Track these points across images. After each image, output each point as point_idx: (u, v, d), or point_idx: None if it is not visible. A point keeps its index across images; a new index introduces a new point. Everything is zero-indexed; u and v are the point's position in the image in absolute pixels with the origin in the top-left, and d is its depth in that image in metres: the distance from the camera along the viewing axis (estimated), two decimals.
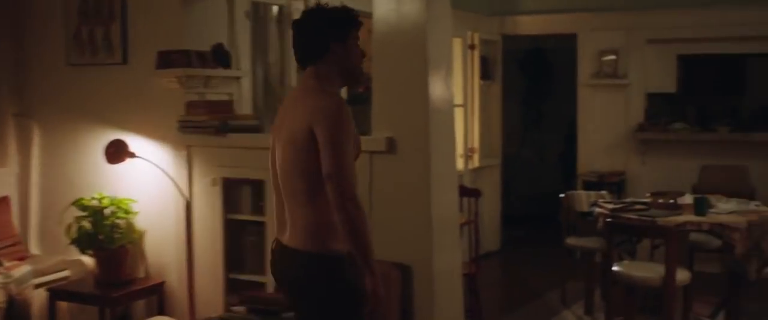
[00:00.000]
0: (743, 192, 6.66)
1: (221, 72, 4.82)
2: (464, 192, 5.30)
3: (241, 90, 5.06)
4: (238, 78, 5.02)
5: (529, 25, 8.17)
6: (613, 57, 7.61)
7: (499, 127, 8.35)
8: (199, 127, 4.52)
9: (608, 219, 4.96)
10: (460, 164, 7.49)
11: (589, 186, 7.42)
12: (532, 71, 10.33)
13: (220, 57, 4.84)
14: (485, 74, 8.18)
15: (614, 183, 7.41)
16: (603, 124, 7.65)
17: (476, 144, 7.89)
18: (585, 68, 7.76)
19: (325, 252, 2.69)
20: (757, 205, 5.27)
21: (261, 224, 4.49)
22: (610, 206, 5.31)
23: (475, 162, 7.89)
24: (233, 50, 5.02)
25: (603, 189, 7.29)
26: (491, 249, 8.21)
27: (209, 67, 4.73)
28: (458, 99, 7.38)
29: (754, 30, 7.09)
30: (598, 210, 5.37)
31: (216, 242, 4.62)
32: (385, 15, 4.03)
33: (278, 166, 2.81)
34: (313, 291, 2.71)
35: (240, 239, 4.66)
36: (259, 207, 4.52)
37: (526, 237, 8.99)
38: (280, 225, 2.86)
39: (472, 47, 7.79)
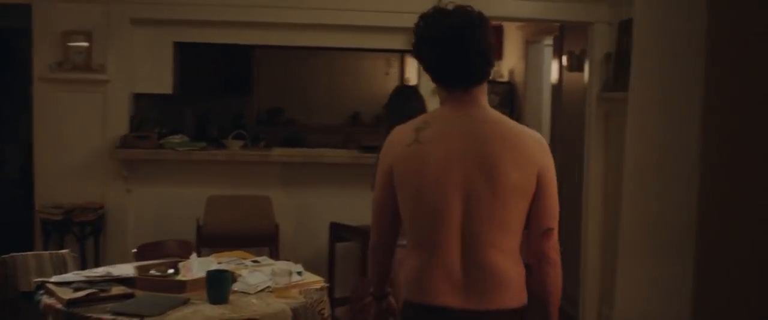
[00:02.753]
0: (265, 235, 4.98)
1: None
2: None
3: None
4: None
5: None
6: (85, 43, 5.33)
7: None
8: None
9: None
10: None
11: (49, 228, 5.06)
12: None
13: None
14: None
15: (89, 224, 5.14)
16: (71, 136, 5.30)
17: None
18: (44, 57, 5.32)
19: (523, 304, 2.33)
20: (299, 273, 3.49)
21: None
22: (69, 294, 3.07)
23: None
24: None
25: (69, 234, 5.05)
26: None
27: None
28: None
29: (262, 14, 5.41)
30: (45, 299, 3.11)
31: None
32: None
33: (468, 227, 2.24)
34: None
35: None
36: None
37: None
38: (459, 289, 2.26)
39: None
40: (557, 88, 6.56)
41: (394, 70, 8.96)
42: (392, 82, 8.87)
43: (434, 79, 2.34)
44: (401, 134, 2.34)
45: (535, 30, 7.27)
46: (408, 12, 5.25)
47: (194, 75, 6.55)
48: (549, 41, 7.49)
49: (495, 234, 2.26)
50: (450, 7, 2.31)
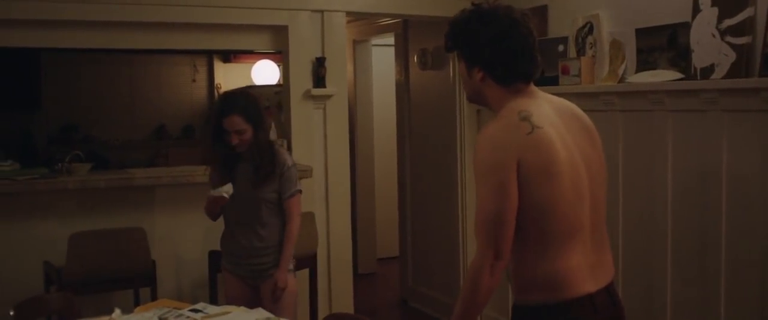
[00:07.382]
0: (141, 274, 4.18)
1: None
2: None
3: None
4: None
5: None
6: None
7: None
8: None
9: None
10: None
11: None
12: None
13: None
14: None
15: None
16: None
17: None
18: None
19: None
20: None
21: None
22: None
23: None
24: None
25: None
26: None
27: None
28: None
29: (49, 11, 4.24)
30: None
31: None
32: None
33: (593, 196, 2.24)
34: None
35: None
36: None
37: None
38: (591, 269, 2.21)
39: None
40: (404, 88, 6.32)
41: (202, 76, 8.21)
42: (200, 90, 8.14)
43: (499, 76, 2.22)
44: (510, 124, 2.14)
45: (365, 29, 6.98)
46: (218, 6, 4.58)
47: None
48: (378, 40, 7.25)
49: (604, 197, 2.30)
50: (500, 3, 2.28)
